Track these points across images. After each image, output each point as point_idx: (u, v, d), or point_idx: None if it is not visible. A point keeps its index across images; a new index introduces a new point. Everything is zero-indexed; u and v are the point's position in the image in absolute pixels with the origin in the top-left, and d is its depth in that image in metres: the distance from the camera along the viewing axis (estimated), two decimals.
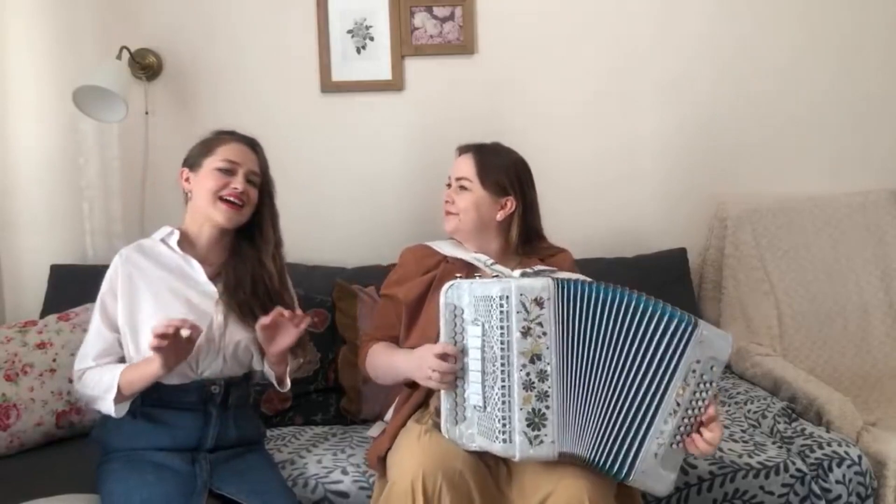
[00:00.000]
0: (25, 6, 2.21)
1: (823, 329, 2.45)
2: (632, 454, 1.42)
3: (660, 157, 2.59)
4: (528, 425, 1.40)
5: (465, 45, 2.49)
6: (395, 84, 2.49)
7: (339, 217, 2.52)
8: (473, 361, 1.44)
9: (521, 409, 1.40)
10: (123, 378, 1.54)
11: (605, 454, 1.43)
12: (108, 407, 1.55)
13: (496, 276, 1.64)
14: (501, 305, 1.41)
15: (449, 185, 1.84)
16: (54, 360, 1.93)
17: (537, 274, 1.56)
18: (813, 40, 2.60)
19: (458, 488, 1.43)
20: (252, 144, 1.74)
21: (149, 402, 1.62)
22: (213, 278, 1.67)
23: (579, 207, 2.56)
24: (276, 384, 1.71)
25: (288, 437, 1.99)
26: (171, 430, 1.60)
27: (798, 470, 1.76)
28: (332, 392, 2.14)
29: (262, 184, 1.73)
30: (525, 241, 1.81)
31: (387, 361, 1.71)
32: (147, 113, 2.41)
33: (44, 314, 2.12)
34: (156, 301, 1.61)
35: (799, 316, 2.46)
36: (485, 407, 1.43)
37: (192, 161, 1.71)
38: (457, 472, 1.43)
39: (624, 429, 1.43)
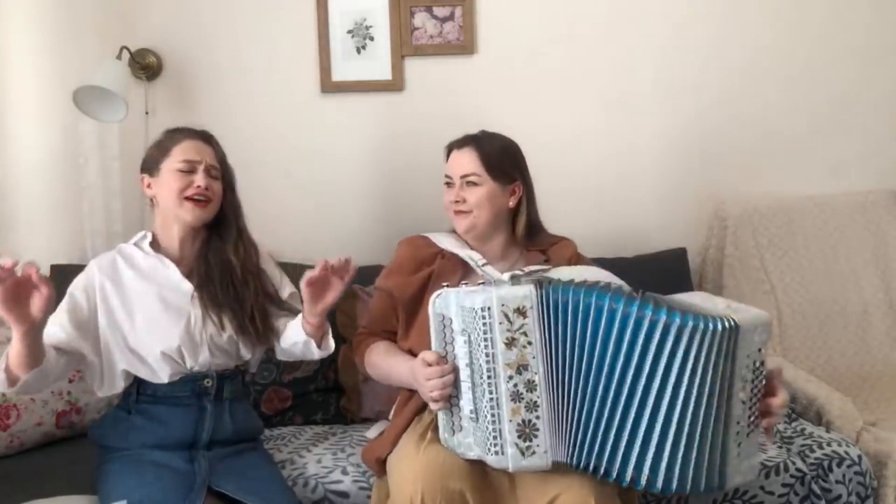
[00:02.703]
0: (26, 6, 2.21)
1: (823, 329, 2.45)
2: (718, 466, 1.35)
3: (660, 157, 2.59)
4: (519, 436, 1.38)
5: (465, 45, 2.49)
6: (395, 84, 2.49)
7: (339, 217, 2.52)
8: (464, 372, 1.42)
9: (510, 420, 1.38)
10: (9, 353, 1.44)
11: (683, 475, 1.34)
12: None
13: (482, 282, 1.56)
14: (484, 317, 1.37)
15: (448, 185, 1.79)
16: None
17: (528, 275, 1.51)
18: (813, 41, 2.60)
19: None
20: (206, 138, 1.73)
21: (143, 399, 1.63)
22: (188, 275, 1.68)
23: (580, 207, 2.56)
24: (315, 349, 1.67)
25: (288, 436, 1.99)
26: (167, 427, 1.60)
27: (798, 470, 1.76)
28: (332, 391, 2.14)
29: (223, 175, 1.73)
30: (529, 232, 1.79)
31: (386, 368, 1.70)
32: (147, 113, 2.41)
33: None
34: (139, 304, 1.63)
35: (799, 316, 2.46)
36: (477, 418, 1.42)
37: (150, 166, 1.70)
38: (456, 492, 1.43)
39: (695, 445, 1.33)
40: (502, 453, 1.39)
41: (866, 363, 2.42)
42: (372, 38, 2.48)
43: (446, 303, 1.44)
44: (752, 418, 1.39)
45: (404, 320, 1.73)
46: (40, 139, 2.26)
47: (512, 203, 1.77)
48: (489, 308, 1.37)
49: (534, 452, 1.38)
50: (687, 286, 2.45)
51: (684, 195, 2.60)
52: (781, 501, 1.74)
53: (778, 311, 2.45)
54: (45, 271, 2.23)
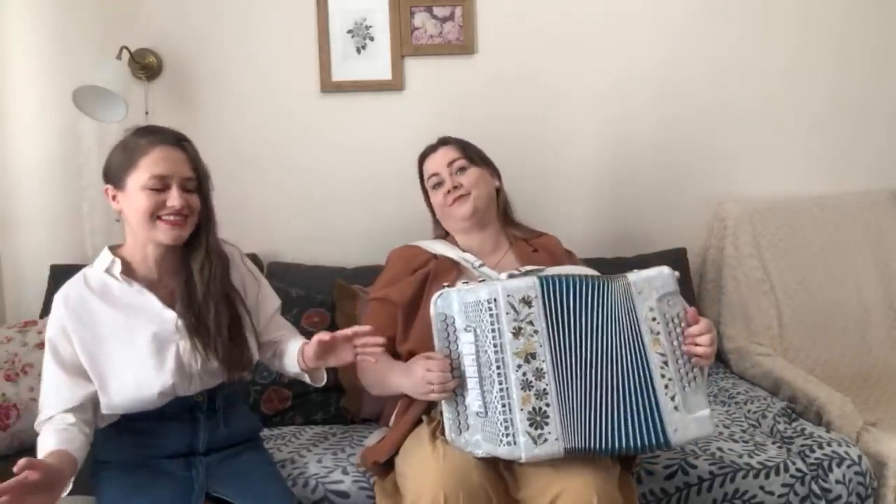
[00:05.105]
0: (26, 6, 2.21)
1: (823, 329, 2.45)
2: (658, 422, 1.44)
3: (660, 157, 2.59)
4: (531, 424, 1.40)
5: (465, 45, 2.49)
6: (395, 84, 2.49)
7: (339, 217, 2.52)
8: (470, 368, 1.44)
9: (521, 409, 1.40)
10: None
11: (634, 438, 1.43)
12: None
13: (482, 279, 1.61)
14: (490, 308, 1.43)
15: (438, 185, 1.84)
16: None
17: (525, 274, 1.55)
18: (812, 40, 2.60)
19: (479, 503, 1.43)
20: (179, 142, 1.50)
21: (133, 416, 1.54)
22: (169, 300, 1.53)
23: (579, 207, 2.56)
24: (309, 381, 1.64)
25: (288, 436, 1.99)
26: (161, 440, 1.55)
27: (798, 470, 1.76)
28: (331, 391, 2.14)
29: (199, 184, 1.51)
30: (505, 216, 1.88)
31: (380, 377, 1.70)
32: (147, 113, 2.41)
33: (44, 314, 2.12)
34: (120, 344, 1.49)
35: (799, 316, 2.45)
36: (486, 412, 1.43)
37: (115, 177, 1.48)
38: (476, 486, 1.43)
39: (636, 406, 1.44)
40: (515, 443, 1.41)
41: (866, 363, 2.41)
42: (372, 38, 2.48)
43: (448, 302, 1.47)
44: (682, 371, 1.47)
45: (403, 322, 1.73)
46: (40, 139, 2.27)
47: (497, 185, 1.87)
48: (495, 299, 1.43)
49: (546, 440, 1.41)
50: (687, 286, 2.46)
51: (684, 195, 2.60)
52: (781, 501, 1.74)
53: (778, 311, 2.45)
54: (45, 271, 2.23)
